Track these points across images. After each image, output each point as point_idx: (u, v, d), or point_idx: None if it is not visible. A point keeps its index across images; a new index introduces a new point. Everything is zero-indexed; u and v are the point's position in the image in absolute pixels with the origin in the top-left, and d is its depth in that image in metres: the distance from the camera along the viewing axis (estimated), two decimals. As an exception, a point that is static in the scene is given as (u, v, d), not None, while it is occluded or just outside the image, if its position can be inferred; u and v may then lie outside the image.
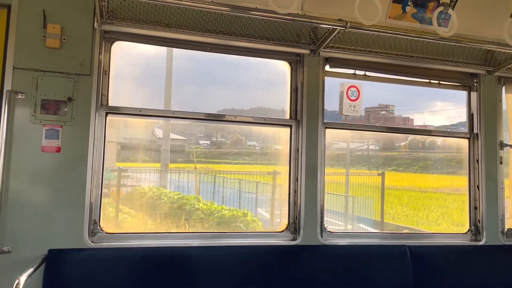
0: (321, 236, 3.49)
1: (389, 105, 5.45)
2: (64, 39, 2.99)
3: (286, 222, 3.53)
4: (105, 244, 3.05)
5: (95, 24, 3.05)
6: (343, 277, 3.35)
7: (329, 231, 3.57)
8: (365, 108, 5.09)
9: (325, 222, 3.55)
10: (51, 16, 2.96)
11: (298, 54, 3.60)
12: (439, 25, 3.31)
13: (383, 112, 5.59)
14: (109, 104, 3.18)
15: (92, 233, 3.04)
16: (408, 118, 5.20)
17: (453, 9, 3.43)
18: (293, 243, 3.44)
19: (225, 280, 3.12)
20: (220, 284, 3.10)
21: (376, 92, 4.35)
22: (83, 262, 2.91)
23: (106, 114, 3.15)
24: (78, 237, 2.95)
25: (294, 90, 3.63)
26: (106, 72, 3.18)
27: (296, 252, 3.38)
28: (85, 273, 2.88)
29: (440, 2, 3.00)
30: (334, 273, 3.35)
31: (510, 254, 3.86)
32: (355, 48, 3.59)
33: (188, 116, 3.48)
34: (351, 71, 3.82)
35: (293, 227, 3.50)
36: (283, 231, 3.51)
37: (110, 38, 3.19)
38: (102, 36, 3.12)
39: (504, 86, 4.14)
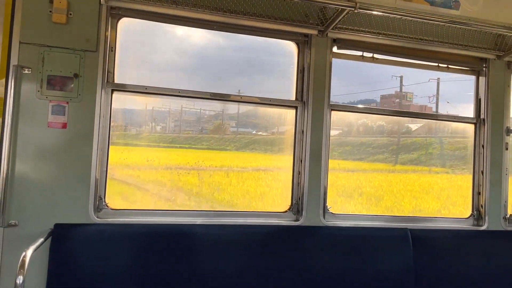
0: (324, 217, 3.52)
1: (407, 92, 5.33)
2: (70, 14, 2.96)
3: (289, 203, 3.56)
4: (110, 220, 3.08)
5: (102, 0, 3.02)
6: (344, 259, 3.39)
7: (331, 213, 3.60)
8: (381, 95, 5.05)
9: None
10: None
11: (305, 35, 3.56)
12: (450, 8, 3.26)
13: (397, 100, 5.48)
14: (115, 82, 3.18)
15: (97, 209, 3.08)
16: (425, 106, 5.09)
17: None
18: (296, 223, 3.47)
19: (228, 258, 3.16)
20: (223, 262, 3.15)
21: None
22: (88, 237, 2.95)
23: (112, 91, 3.15)
24: (84, 212, 2.99)
25: (300, 71, 3.60)
26: (113, 49, 3.16)
27: (298, 232, 3.41)
28: (90, 248, 2.93)
29: None
30: (335, 255, 3.38)
31: None
32: (363, 29, 3.55)
33: (194, 95, 3.47)
34: (359, 53, 3.78)
35: (296, 208, 3.53)
36: (286, 211, 3.54)
37: (116, 14, 3.16)
38: (108, 12, 3.09)
39: (513, 72, 4.08)
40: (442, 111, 4.64)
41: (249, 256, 3.22)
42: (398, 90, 5.31)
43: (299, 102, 3.57)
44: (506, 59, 3.98)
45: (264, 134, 4.50)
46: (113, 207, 3.15)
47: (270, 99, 3.60)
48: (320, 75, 3.55)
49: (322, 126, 3.54)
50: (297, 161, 3.57)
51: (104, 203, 3.12)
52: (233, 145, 4.79)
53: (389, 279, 3.44)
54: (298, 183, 3.54)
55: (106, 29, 3.08)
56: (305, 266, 3.30)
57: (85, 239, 2.94)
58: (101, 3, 3.03)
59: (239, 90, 3.64)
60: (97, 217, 3.04)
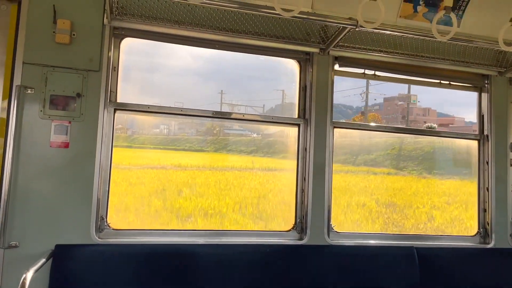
0: (328, 236, 3.47)
1: (411, 94, 5.28)
2: (73, 34, 2.99)
3: (293, 222, 3.51)
4: (112, 240, 3.05)
5: (105, 20, 3.05)
6: (349, 278, 3.33)
7: (336, 231, 3.55)
8: (384, 98, 5.01)
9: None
10: (61, 12, 2.96)
11: (307, 53, 3.58)
12: (451, 25, 3.27)
13: (401, 102, 5.46)
14: (118, 101, 3.18)
15: (99, 229, 3.04)
16: (429, 109, 5.04)
17: (464, 9, 3.40)
18: (300, 242, 3.42)
19: (231, 279, 3.11)
20: (226, 283, 3.09)
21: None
22: (90, 257, 2.91)
23: (115, 110, 3.16)
24: (85, 233, 2.96)
25: (303, 89, 3.61)
26: (115, 69, 3.18)
27: (303, 252, 3.36)
28: (92, 269, 2.89)
29: (443, 6, 2.97)
30: (341, 274, 3.32)
31: None
32: (365, 47, 3.57)
33: (196, 114, 3.47)
34: (361, 71, 3.79)
35: (300, 226, 3.48)
36: (289, 230, 3.49)
37: (119, 34, 3.19)
38: (111, 32, 3.12)
39: (515, 88, 4.08)
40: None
41: (253, 276, 3.17)
42: (402, 92, 5.30)
43: (302, 119, 3.57)
44: (508, 75, 3.99)
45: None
46: (114, 227, 3.11)
47: (273, 117, 3.61)
48: (322, 92, 3.55)
49: (325, 144, 3.52)
50: (301, 179, 3.54)
51: (106, 223, 3.08)
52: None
53: None
54: (302, 201, 3.51)
55: (109, 49, 3.10)
56: (310, 286, 3.24)
57: (87, 260, 2.90)
58: (104, 23, 3.06)
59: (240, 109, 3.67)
60: (99, 238, 3.01)
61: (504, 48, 3.05)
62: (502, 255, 3.81)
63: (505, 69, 3.92)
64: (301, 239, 3.45)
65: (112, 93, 3.15)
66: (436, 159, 4.65)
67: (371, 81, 3.86)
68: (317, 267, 3.31)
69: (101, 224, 3.06)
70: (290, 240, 3.44)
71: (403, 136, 4.95)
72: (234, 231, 3.46)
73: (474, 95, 4.14)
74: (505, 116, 4.01)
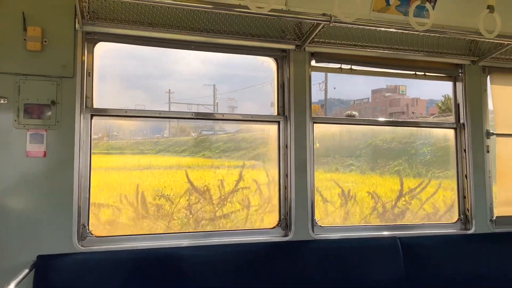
0: (313, 231, 3.50)
1: (399, 85, 5.28)
2: (45, 41, 2.94)
3: (277, 219, 3.53)
4: (95, 248, 3.01)
5: (77, 25, 3.00)
6: (335, 271, 3.36)
7: (320, 226, 3.58)
8: (372, 89, 4.99)
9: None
10: (31, 19, 2.91)
11: (283, 50, 3.59)
12: (423, 17, 3.32)
13: (388, 94, 5.48)
14: (94, 106, 3.14)
15: (81, 237, 3.01)
16: (417, 99, 5.03)
17: (436, 0, 3.46)
18: (285, 239, 3.44)
19: (218, 279, 3.11)
20: (214, 283, 3.09)
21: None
22: (73, 266, 2.87)
23: (91, 116, 3.12)
24: (68, 241, 2.92)
25: (281, 86, 3.62)
26: (90, 74, 3.14)
27: (288, 248, 3.38)
28: (76, 278, 2.85)
29: None
30: (327, 268, 3.36)
31: (499, 242, 3.91)
32: (340, 42, 3.59)
33: (176, 116, 3.45)
34: (337, 66, 3.82)
35: (284, 223, 3.50)
36: (274, 227, 3.51)
37: (92, 39, 3.14)
38: (84, 38, 3.08)
39: (488, 76, 4.16)
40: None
41: (240, 275, 3.17)
42: (389, 84, 5.30)
43: (281, 117, 3.58)
44: (481, 64, 4.07)
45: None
46: (97, 234, 3.08)
47: (252, 115, 3.61)
48: (300, 89, 3.57)
49: (305, 140, 3.55)
50: (283, 176, 3.56)
51: (88, 231, 3.05)
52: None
53: None
54: (285, 197, 3.53)
55: (83, 55, 3.06)
56: (297, 281, 3.26)
57: (70, 269, 2.86)
58: (76, 28, 3.01)
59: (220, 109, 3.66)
60: (82, 246, 2.97)
61: (486, 35, 3.10)
62: (482, 240, 3.90)
63: (477, 58, 3.99)
64: (286, 235, 3.47)
65: (88, 99, 3.11)
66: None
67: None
68: (304, 262, 3.33)
69: (83, 232, 3.02)
70: (275, 237, 3.46)
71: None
72: (219, 232, 3.46)
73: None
74: (480, 104, 4.09)
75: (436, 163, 4.34)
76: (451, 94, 4.21)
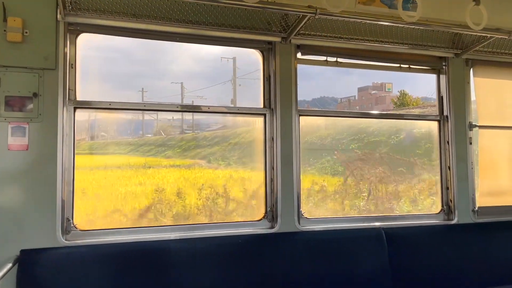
0: (299, 222, 3.52)
1: (385, 83, 5.31)
2: (26, 32, 2.87)
3: (264, 211, 3.54)
4: (80, 242, 2.99)
5: (58, 16, 2.94)
6: (321, 263, 3.40)
7: (306, 218, 3.61)
8: (358, 87, 4.98)
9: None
10: (11, 9, 2.84)
11: (269, 42, 3.58)
12: (408, 10, 3.34)
13: (374, 92, 5.51)
14: (77, 99, 3.09)
15: (65, 231, 2.97)
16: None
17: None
18: (271, 231, 3.46)
19: (205, 271, 3.12)
20: (200, 276, 3.10)
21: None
22: (58, 261, 2.85)
23: (75, 109, 3.07)
24: (52, 236, 2.88)
25: (267, 79, 3.61)
26: (73, 66, 3.08)
27: (274, 240, 3.40)
28: (61, 273, 2.82)
29: None
30: (313, 259, 3.39)
31: (481, 232, 3.99)
32: (326, 34, 3.60)
33: (161, 108, 3.42)
34: (323, 58, 3.82)
35: (271, 215, 3.52)
36: (260, 219, 3.52)
37: (74, 30, 3.09)
38: (66, 29, 3.02)
39: (472, 68, 4.22)
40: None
41: (227, 267, 3.18)
42: (375, 81, 5.32)
43: (267, 109, 3.58)
44: (464, 56, 4.12)
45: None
46: (81, 228, 3.05)
47: (238, 108, 3.61)
48: (286, 81, 3.57)
49: (291, 132, 3.55)
50: (269, 168, 3.56)
51: (72, 225, 3.01)
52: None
53: (366, 278, 3.47)
54: (272, 190, 3.54)
55: (65, 46, 3.00)
56: (283, 273, 3.29)
57: (55, 264, 2.83)
58: (58, 19, 2.95)
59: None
60: (66, 240, 2.94)
61: (473, 27, 3.13)
62: (465, 230, 3.98)
63: (461, 51, 4.04)
64: (272, 227, 3.49)
65: (71, 91, 3.06)
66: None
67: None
68: (290, 253, 3.36)
69: (67, 226, 2.99)
70: (261, 229, 3.47)
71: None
72: (205, 224, 3.46)
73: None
74: (463, 96, 4.15)
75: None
76: (435, 91, 4.25)
